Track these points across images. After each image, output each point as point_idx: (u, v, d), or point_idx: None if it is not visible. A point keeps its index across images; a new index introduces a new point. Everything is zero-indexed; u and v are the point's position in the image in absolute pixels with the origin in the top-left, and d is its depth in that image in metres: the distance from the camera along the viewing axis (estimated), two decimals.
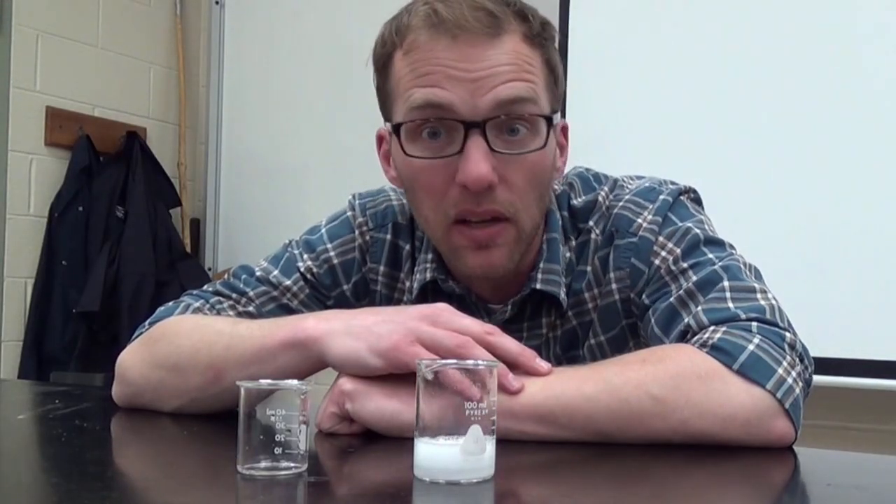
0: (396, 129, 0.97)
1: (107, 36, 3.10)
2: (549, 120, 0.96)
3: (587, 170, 1.11)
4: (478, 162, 0.92)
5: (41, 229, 2.89)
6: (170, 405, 0.98)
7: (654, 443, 0.82)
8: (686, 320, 0.92)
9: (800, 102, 2.27)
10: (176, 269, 3.05)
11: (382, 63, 0.99)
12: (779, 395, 0.82)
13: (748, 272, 0.96)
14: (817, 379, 0.91)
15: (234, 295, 1.10)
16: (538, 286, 1.02)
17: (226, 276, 1.14)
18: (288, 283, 1.10)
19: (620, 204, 1.03)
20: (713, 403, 0.81)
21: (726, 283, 0.93)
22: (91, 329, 2.85)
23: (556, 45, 1.02)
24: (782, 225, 2.26)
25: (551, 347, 1.05)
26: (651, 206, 1.02)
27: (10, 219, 2.84)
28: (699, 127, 2.38)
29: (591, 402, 0.81)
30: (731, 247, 1.00)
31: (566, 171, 1.12)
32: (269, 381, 0.72)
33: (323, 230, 1.13)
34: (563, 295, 1.03)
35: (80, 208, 2.92)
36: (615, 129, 2.45)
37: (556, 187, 1.08)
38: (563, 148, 1.06)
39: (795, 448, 0.84)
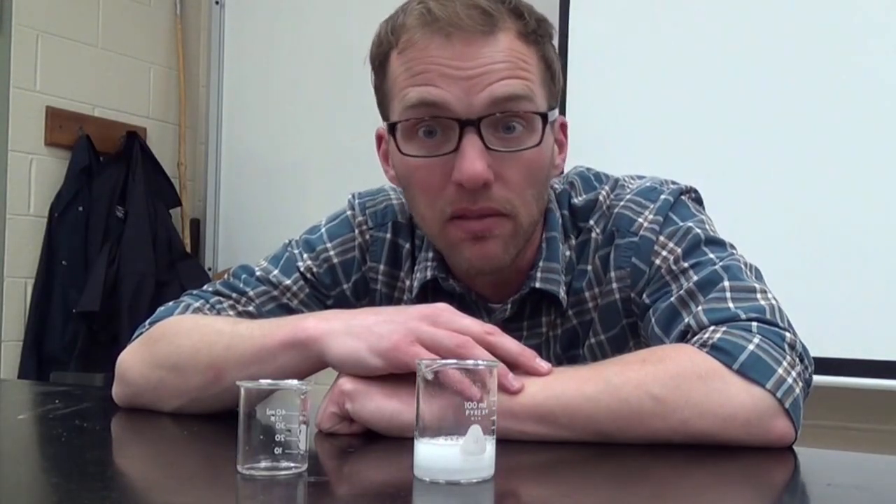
0: (392, 128, 0.97)
1: (107, 36, 3.10)
2: (544, 117, 0.96)
3: (588, 169, 1.11)
4: (473, 160, 0.92)
5: (41, 229, 2.89)
6: (170, 405, 0.98)
7: (654, 443, 0.82)
8: (686, 320, 0.92)
9: (800, 102, 2.27)
10: (176, 269, 3.05)
11: (379, 62, 1.00)
12: (779, 394, 0.82)
13: (749, 272, 0.96)
14: (817, 379, 0.91)
15: (234, 295, 1.10)
16: (537, 285, 1.02)
17: (226, 276, 1.14)
18: (288, 282, 1.10)
19: (621, 203, 1.03)
20: (713, 403, 0.81)
21: (727, 283, 0.93)
22: (91, 329, 2.85)
23: (554, 42, 1.02)
24: (782, 225, 2.26)
25: (551, 346, 1.05)
26: (652, 206, 1.02)
27: (10, 219, 2.84)
28: (699, 127, 2.38)
29: (592, 402, 0.81)
30: (732, 247, 1.00)
31: (567, 170, 1.12)
32: (269, 381, 0.72)
33: (323, 229, 1.13)
34: (562, 294, 1.03)
35: (80, 208, 2.92)
36: (615, 129, 2.45)
37: (556, 186, 1.08)
38: (561, 145, 1.06)
39: (795, 448, 0.84)
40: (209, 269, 3.28)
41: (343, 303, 1.11)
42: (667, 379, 0.82)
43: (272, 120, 3.25)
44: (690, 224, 1.00)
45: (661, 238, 1.00)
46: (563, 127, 1.06)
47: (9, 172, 2.83)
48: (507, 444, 0.72)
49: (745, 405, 0.81)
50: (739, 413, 0.81)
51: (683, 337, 0.91)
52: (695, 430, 0.81)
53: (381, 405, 0.81)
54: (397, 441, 0.80)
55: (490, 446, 0.66)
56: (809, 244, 2.23)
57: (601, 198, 1.05)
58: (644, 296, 0.99)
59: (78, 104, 3.00)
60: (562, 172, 1.10)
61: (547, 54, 0.99)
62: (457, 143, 0.93)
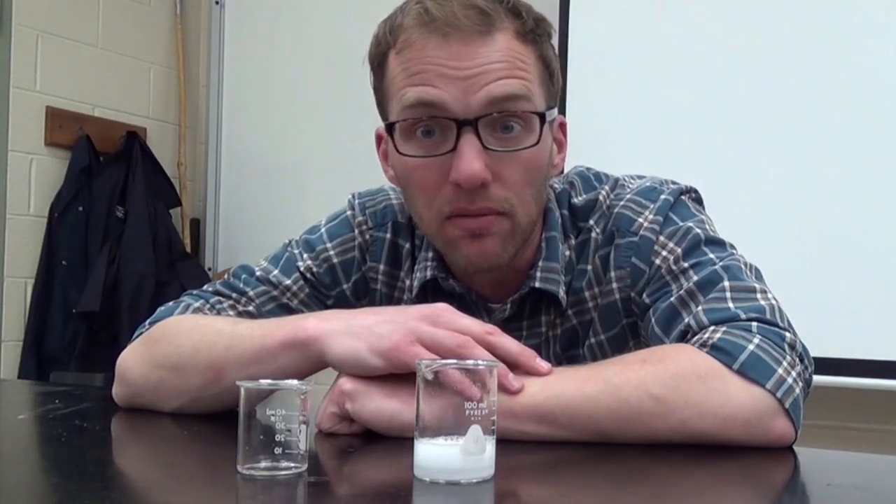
0: (391, 128, 0.98)
1: (107, 36, 3.10)
2: (542, 117, 0.96)
3: (588, 169, 1.11)
4: (470, 160, 0.92)
5: (41, 229, 2.89)
6: (170, 405, 0.98)
7: (654, 443, 0.82)
8: (686, 320, 0.92)
9: (800, 102, 2.27)
10: (176, 269, 3.05)
11: (377, 63, 1.00)
12: (779, 394, 0.82)
13: (749, 272, 0.96)
14: (817, 379, 0.91)
15: (234, 295, 1.10)
16: (537, 284, 1.02)
17: (226, 276, 1.14)
18: (288, 282, 1.10)
19: (621, 203, 1.03)
20: (713, 403, 0.81)
21: (727, 283, 0.93)
22: (91, 329, 2.85)
23: (553, 41, 1.01)
24: (782, 225, 2.26)
25: (551, 346, 1.05)
26: (652, 206, 1.02)
27: (10, 219, 2.84)
28: (699, 127, 2.38)
29: (592, 402, 0.81)
30: (732, 247, 1.00)
31: (567, 169, 1.12)
32: (269, 381, 0.72)
33: (322, 229, 1.13)
34: (562, 293, 1.03)
35: (80, 208, 2.92)
36: (615, 129, 2.45)
37: (556, 186, 1.08)
38: (561, 144, 1.06)
39: (795, 448, 0.84)
40: (209, 269, 3.28)
41: (343, 303, 1.11)
42: (667, 379, 0.82)
43: (272, 120, 3.25)
44: (690, 224, 1.00)
45: (661, 238, 1.00)
46: (563, 126, 1.06)
47: (9, 172, 2.83)
48: (507, 444, 0.72)
49: (745, 405, 0.81)
50: (739, 413, 0.81)
51: (683, 337, 0.91)
52: (695, 430, 0.81)
53: (381, 405, 0.81)
54: (397, 441, 0.80)
55: (490, 446, 0.66)
56: (809, 244, 2.23)
57: (601, 198, 1.05)
58: (644, 296, 0.99)
59: (78, 104, 3.00)
60: (562, 172, 1.10)
61: (545, 54, 0.99)
62: (454, 143, 0.93)
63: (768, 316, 0.89)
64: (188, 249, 3.21)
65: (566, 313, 1.05)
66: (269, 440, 0.67)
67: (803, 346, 0.89)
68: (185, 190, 3.30)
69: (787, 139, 2.27)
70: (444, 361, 0.70)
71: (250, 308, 1.09)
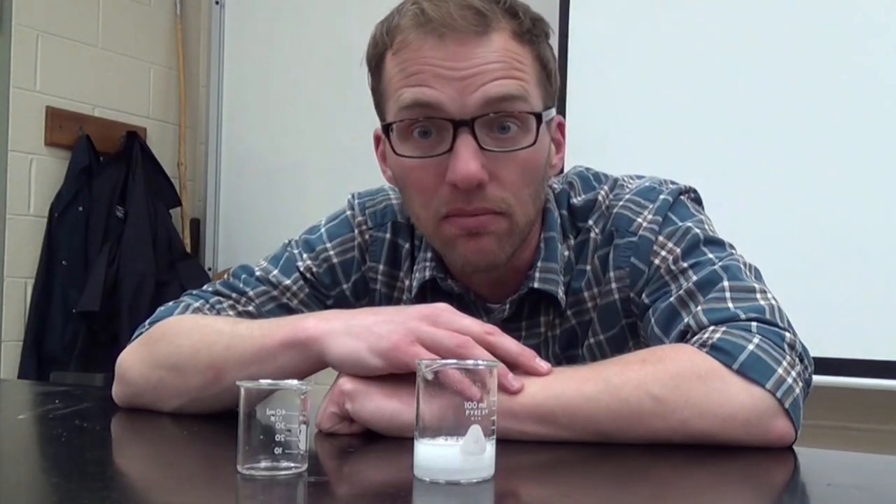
0: (388, 128, 0.98)
1: (107, 36, 3.10)
2: (538, 117, 0.96)
3: (587, 169, 1.11)
4: (467, 161, 0.92)
5: (41, 229, 2.89)
6: (170, 405, 0.98)
7: (654, 443, 0.82)
8: (686, 320, 0.92)
9: (800, 102, 2.27)
10: (176, 269, 3.05)
11: (375, 63, 1.00)
12: (778, 394, 0.82)
13: (748, 272, 0.96)
14: (817, 379, 0.91)
15: (233, 295, 1.10)
16: (536, 285, 1.02)
17: (225, 276, 1.14)
18: (287, 282, 1.10)
19: (620, 203, 1.03)
20: (713, 403, 0.81)
21: (726, 283, 0.93)
22: (91, 329, 2.85)
23: (550, 41, 1.01)
24: (782, 225, 2.26)
25: (550, 346, 1.05)
26: (651, 206, 1.02)
27: (10, 219, 2.84)
28: (699, 127, 2.38)
29: (592, 402, 0.81)
30: (731, 247, 1.00)
31: (566, 170, 1.12)
32: (269, 381, 0.72)
33: (322, 229, 1.13)
34: (561, 294, 1.03)
35: (80, 208, 2.92)
36: (615, 129, 2.45)
37: (555, 186, 1.08)
38: (559, 144, 1.06)
39: (795, 448, 0.84)
40: (209, 269, 3.28)
41: (343, 303, 1.11)
42: (667, 379, 0.82)
43: (272, 120, 3.25)
44: (689, 224, 1.00)
45: (661, 238, 1.00)
46: (561, 126, 1.06)
47: (9, 172, 2.83)
48: (507, 444, 0.72)
49: (744, 405, 0.81)
50: (739, 413, 0.81)
51: (683, 337, 0.91)
52: (695, 430, 0.81)
53: (380, 405, 0.81)
54: (397, 441, 0.80)
55: (490, 446, 0.66)
56: (809, 244, 2.23)
57: (600, 198, 1.05)
58: (643, 296, 0.99)
59: (78, 104, 3.00)
60: (561, 172, 1.10)
61: (542, 54, 0.99)
62: (451, 144, 0.93)
63: (768, 316, 0.89)
64: (188, 249, 3.21)
65: (565, 313, 1.05)
66: (269, 440, 0.67)
67: (803, 346, 0.89)
68: (185, 190, 3.30)
69: (787, 139, 2.27)
70: (444, 361, 0.70)
71: (250, 308, 1.09)
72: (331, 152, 3.08)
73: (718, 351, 0.84)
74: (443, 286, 1.06)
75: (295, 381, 0.71)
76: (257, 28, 3.31)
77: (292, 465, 0.67)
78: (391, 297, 1.11)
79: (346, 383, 0.83)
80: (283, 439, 0.67)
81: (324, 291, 1.11)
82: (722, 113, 2.35)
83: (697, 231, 0.99)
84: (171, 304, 1.09)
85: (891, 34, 2.19)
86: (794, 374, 0.84)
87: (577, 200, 1.06)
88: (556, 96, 1.04)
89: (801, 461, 0.81)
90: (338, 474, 0.75)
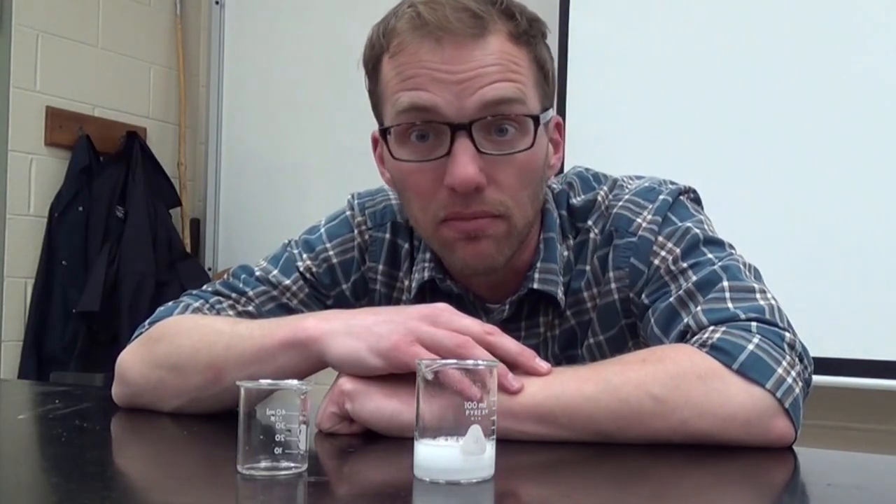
0: (385, 132, 0.97)
1: (107, 36, 3.10)
2: (536, 119, 0.96)
3: (587, 169, 1.11)
4: (465, 164, 0.92)
5: (41, 229, 2.89)
6: (170, 405, 0.98)
7: (654, 443, 0.82)
8: (686, 320, 0.92)
9: (800, 102, 2.27)
10: (176, 269, 3.05)
11: (372, 66, 1.00)
12: (778, 394, 0.82)
13: (748, 272, 0.96)
14: (817, 379, 0.91)
15: (233, 295, 1.10)
16: (535, 286, 1.02)
17: (225, 276, 1.14)
18: (287, 282, 1.10)
19: (620, 203, 1.03)
20: (713, 403, 0.81)
21: (726, 283, 0.93)
22: (91, 329, 2.85)
23: (547, 41, 1.01)
24: (782, 225, 2.26)
25: (549, 347, 1.05)
26: (651, 206, 1.02)
27: (10, 219, 2.84)
28: (699, 127, 2.38)
29: (592, 402, 0.81)
30: (731, 247, 1.00)
31: (566, 170, 1.12)
32: (269, 381, 0.72)
33: (322, 230, 1.13)
34: (560, 294, 1.03)
35: (80, 208, 2.92)
36: (615, 129, 2.45)
37: (554, 187, 1.08)
38: (557, 144, 1.05)
39: (795, 448, 0.84)
40: (209, 269, 3.28)
41: (342, 303, 1.11)
42: (666, 379, 0.82)
43: (272, 120, 3.25)
44: (689, 224, 1.00)
45: (660, 238, 1.00)
46: (559, 126, 1.06)
47: (9, 172, 2.83)
48: (507, 444, 0.72)
49: (744, 405, 0.81)
50: (739, 413, 0.81)
51: (683, 337, 0.91)
52: (695, 430, 0.81)
53: (380, 405, 0.81)
54: (397, 441, 0.80)
55: (490, 446, 0.66)
56: (809, 244, 2.23)
57: (600, 198, 1.05)
58: (643, 296, 0.99)
59: (78, 104, 3.00)
60: (560, 172, 1.10)
61: (539, 55, 0.99)
62: (449, 147, 0.93)
63: (767, 316, 0.89)
64: (188, 249, 3.21)
65: (564, 314, 1.05)
66: (269, 440, 0.67)
67: (803, 346, 0.89)
68: (185, 190, 3.30)
69: (787, 139, 2.27)
70: (444, 361, 0.70)
71: (250, 308, 1.09)
72: (331, 152, 3.08)
73: (718, 351, 0.84)
74: (442, 287, 1.06)
75: (295, 381, 0.71)
76: (257, 28, 3.31)
77: (292, 465, 0.67)
78: (391, 298, 1.11)
79: (346, 383, 0.83)
80: (283, 439, 0.67)
81: (323, 291, 1.11)
82: (722, 113, 2.35)
83: (697, 231, 0.99)
84: (170, 304, 1.09)
85: (891, 34, 2.19)
86: (793, 373, 0.84)
87: (576, 201, 1.06)
88: (554, 96, 1.04)
89: (801, 461, 0.81)
90: (338, 474, 0.75)
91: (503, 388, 0.79)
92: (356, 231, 1.12)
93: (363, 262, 1.11)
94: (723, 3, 2.38)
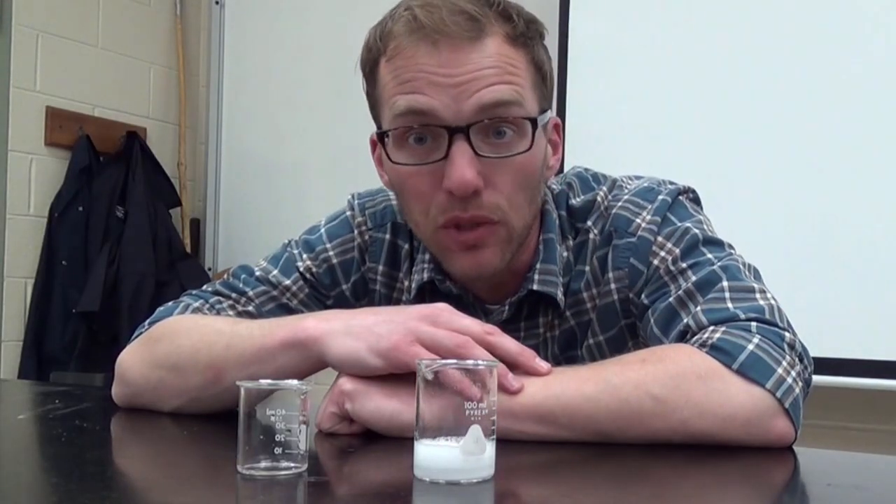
0: (382, 136, 0.97)
1: (107, 36, 3.10)
2: (534, 122, 0.96)
3: (586, 170, 1.11)
4: (462, 167, 0.92)
5: (41, 229, 2.89)
6: (169, 405, 0.98)
7: (654, 443, 0.82)
8: (685, 320, 0.92)
9: (800, 102, 2.27)
10: (176, 269, 3.05)
11: (369, 69, 0.99)
12: (778, 394, 0.82)
13: (747, 272, 0.96)
14: (817, 379, 0.91)
15: (233, 295, 1.10)
16: (535, 287, 1.02)
17: (225, 276, 1.14)
18: (287, 282, 1.10)
19: (619, 204, 1.03)
20: (713, 403, 0.81)
21: (725, 283, 0.93)
22: (91, 329, 2.85)
23: (545, 42, 1.01)
24: (782, 225, 2.26)
25: (549, 347, 1.05)
26: (650, 206, 1.02)
27: (10, 219, 2.84)
28: (699, 127, 2.38)
29: (591, 402, 0.81)
30: (730, 247, 1.00)
31: (566, 170, 1.12)
32: (269, 381, 0.72)
33: (322, 230, 1.13)
34: (559, 295, 1.03)
35: (80, 208, 2.92)
36: (615, 129, 2.45)
37: (554, 187, 1.08)
38: (556, 145, 1.05)
39: (795, 448, 0.84)
40: (209, 269, 3.28)
41: (342, 303, 1.11)
42: (666, 379, 0.82)
43: (272, 120, 3.25)
44: (688, 224, 1.00)
45: (660, 238, 1.00)
46: (557, 127, 1.06)
47: (9, 172, 2.83)
48: (507, 444, 0.72)
49: (744, 405, 0.81)
50: (739, 413, 0.81)
51: (682, 337, 0.91)
52: (695, 430, 0.81)
53: (380, 405, 0.81)
54: (397, 441, 0.80)
55: (490, 446, 0.66)
56: (809, 244, 2.23)
57: (599, 198, 1.05)
58: (643, 296, 0.99)
59: (78, 104, 3.00)
60: (560, 172, 1.10)
61: (537, 56, 0.98)
62: (446, 151, 0.93)
63: (767, 316, 0.89)
64: (188, 249, 3.21)
65: (564, 314, 1.05)
66: (269, 440, 0.67)
67: (803, 346, 0.89)
68: (185, 190, 3.30)
69: (787, 139, 2.27)
70: (444, 361, 0.70)
71: (250, 308, 1.09)
72: (331, 152, 3.08)
73: (718, 351, 0.84)
74: (441, 288, 1.06)
75: (295, 381, 0.71)
76: (257, 28, 3.31)
77: (292, 465, 0.67)
78: (391, 298, 1.11)
79: (346, 383, 0.83)
80: (283, 439, 0.67)
81: (323, 292, 1.11)
82: (721, 113, 2.35)
83: (696, 231, 0.99)
84: (170, 304, 1.09)
85: (891, 34, 2.19)
86: (793, 373, 0.84)
87: (575, 201, 1.06)
88: (553, 98, 1.04)
89: (801, 461, 0.81)
90: (338, 474, 0.75)
91: (503, 388, 0.79)
92: (356, 231, 1.12)
93: (363, 263, 1.11)
94: (723, 3, 2.38)
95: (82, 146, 2.95)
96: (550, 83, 1.01)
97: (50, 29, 2.93)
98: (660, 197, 1.02)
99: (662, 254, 0.99)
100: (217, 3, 3.37)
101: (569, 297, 1.04)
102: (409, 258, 1.10)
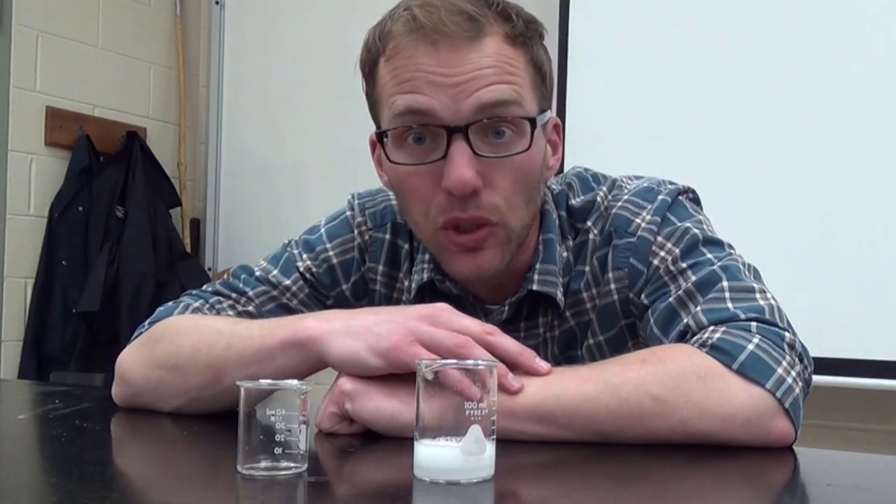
0: (382, 136, 0.97)
1: (107, 36, 3.10)
2: (533, 122, 0.96)
3: (586, 170, 1.11)
4: (461, 167, 0.92)
5: (41, 229, 2.90)
6: (169, 405, 0.98)
7: (654, 443, 0.82)
8: (685, 320, 0.92)
9: (800, 102, 2.27)
10: (176, 269, 3.05)
11: (368, 69, 1.00)
12: (778, 394, 0.82)
13: (747, 272, 0.96)
14: (817, 379, 0.91)
15: (233, 295, 1.10)
16: (535, 287, 1.02)
17: (225, 276, 1.14)
18: (287, 282, 1.10)
19: (619, 204, 1.03)
20: (713, 403, 0.81)
21: (725, 283, 0.93)
22: (91, 329, 2.85)
23: (545, 42, 1.01)
24: (782, 225, 2.26)
25: (549, 348, 1.05)
26: (650, 206, 1.02)
27: (10, 219, 2.84)
28: (699, 127, 2.38)
29: (591, 402, 0.81)
30: (730, 247, 1.00)
31: (566, 170, 1.12)
32: (269, 381, 0.72)
33: (322, 230, 1.13)
34: (559, 295, 1.03)
35: (80, 208, 2.92)
36: (615, 129, 2.45)
37: (554, 187, 1.08)
38: (555, 145, 1.05)
39: (795, 448, 0.84)
40: (209, 269, 3.28)
41: (342, 303, 1.11)
42: (666, 379, 0.82)
43: (272, 120, 3.25)
44: (688, 224, 1.00)
45: (659, 238, 1.00)
46: (557, 127, 1.06)
47: (9, 172, 2.83)
48: (507, 444, 0.72)
49: (744, 405, 0.81)
50: (739, 413, 0.81)
51: (682, 337, 0.91)
52: (695, 430, 0.81)
53: (380, 405, 0.81)
54: (397, 441, 0.80)
55: (490, 446, 0.66)
56: (809, 244, 2.23)
57: (599, 198, 1.05)
58: (642, 296, 0.99)
59: (78, 104, 3.00)
60: (560, 172, 1.10)
61: (536, 56, 0.98)
62: (445, 150, 0.93)
63: (767, 316, 0.89)
64: (188, 249, 3.21)
65: (564, 315, 1.05)
66: (269, 440, 0.67)
67: (803, 346, 0.89)
68: (185, 190, 3.30)
69: (787, 139, 2.27)
70: (444, 361, 0.70)
71: (250, 308, 1.09)
72: (331, 152, 3.08)
73: (718, 351, 0.84)
74: (441, 288, 1.06)
75: (295, 381, 0.71)
76: (257, 28, 3.31)
77: (292, 465, 0.67)
78: (391, 298, 1.11)
79: (346, 383, 0.83)
80: (283, 439, 0.67)
81: (323, 292, 1.11)
82: (721, 113, 2.35)
83: (696, 231, 0.99)
84: (170, 304, 1.09)
85: (891, 34, 2.19)
86: (793, 373, 0.84)
87: (575, 201, 1.06)
88: (553, 98, 1.04)
89: (801, 461, 0.81)
90: (338, 474, 0.75)
91: (503, 388, 0.79)
92: (356, 231, 1.12)
93: (363, 263, 1.11)
94: (723, 3, 2.38)
95: (82, 146, 2.95)
96: (550, 83, 1.01)
97: (50, 29, 2.93)
98: (660, 197, 1.02)
99: (662, 254, 0.99)
100: (217, 3, 3.37)
101: (569, 298, 1.04)
102: (409, 258, 1.10)
